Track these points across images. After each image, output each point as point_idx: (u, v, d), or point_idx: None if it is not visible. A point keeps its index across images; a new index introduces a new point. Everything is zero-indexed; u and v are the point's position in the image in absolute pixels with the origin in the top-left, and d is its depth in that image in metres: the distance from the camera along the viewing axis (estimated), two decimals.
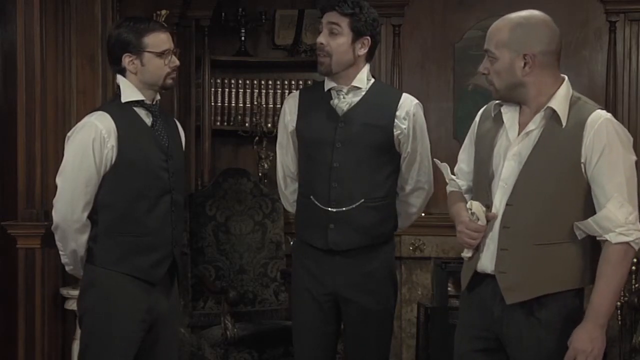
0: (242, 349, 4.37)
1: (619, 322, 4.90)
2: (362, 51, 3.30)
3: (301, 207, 3.44)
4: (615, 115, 5.03)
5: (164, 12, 4.59)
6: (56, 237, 3.15)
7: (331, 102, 3.34)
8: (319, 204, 3.32)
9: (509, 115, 2.72)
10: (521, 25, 2.65)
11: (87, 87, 4.38)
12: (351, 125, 3.30)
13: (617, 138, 2.60)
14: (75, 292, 3.36)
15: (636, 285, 4.85)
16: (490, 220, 2.71)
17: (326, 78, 3.36)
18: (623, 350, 4.89)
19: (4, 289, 4.62)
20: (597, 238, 2.61)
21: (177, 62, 3.17)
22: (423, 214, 5.04)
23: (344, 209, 3.30)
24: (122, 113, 3.10)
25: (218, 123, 5.47)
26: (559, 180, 2.61)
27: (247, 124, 5.45)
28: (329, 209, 3.30)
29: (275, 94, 5.45)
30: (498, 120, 2.76)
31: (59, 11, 4.33)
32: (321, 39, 3.27)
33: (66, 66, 4.36)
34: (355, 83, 3.33)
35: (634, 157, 2.63)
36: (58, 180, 3.11)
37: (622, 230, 2.55)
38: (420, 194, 3.46)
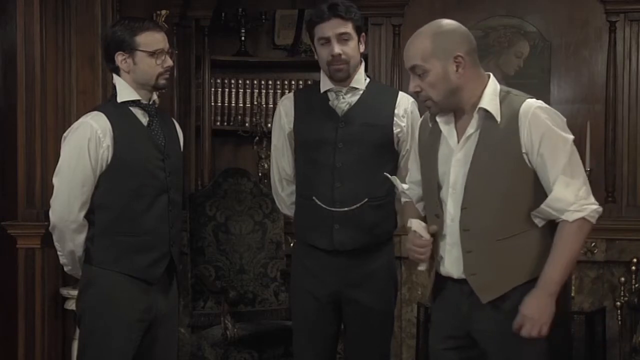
0: (242, 349, 4.37)
1: (619, 322, 4.90)
2: (362, 47, 3.35)
3: (302, 209, 3.43)
4: (615, 115, 5.10)
5: (164, 12, 4.60)
6: (54, 238, 3.16)
7: (330, 102, 3.35)
8: (322, 205, 3.32)
9: (445, 123, 2.77)
10: (440, 33, 2.69)
11: (87, 87, 4.39)
12: (352, 125, 3.31)
13: (551, 122, 2.65)
14: (75, 292, 3.36)
15: (636, 285, 4.85)
16: (432, 233, 2.78)
17: (323, 79, 3.37)
18: (623, 350, 4.89)
19: (4, 289, 4.63)
20: (557, 221, 2.66)
21: (171, 63, 3.16)
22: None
23: (348, 208, 3.30)
24: (117, 113, 3.11)
25: (218, 123, 5.47)
26: (506, 175, 2.66)
27: (247, 124, 5.45)
28: (333, 209, 3.31)
29: (275, 94, 5.45)
30: (436, 130, 2.80)
31: (59, 11, 4.34)
32: (336, 50, 3.27)
33: (66, 66, 4.37)
34: (354, 84, 3.34)
35: (571, 136, 2.68)
36: (55, 180, 3.12)
37: (575, 207, 2.61)
38: None
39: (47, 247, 4.03)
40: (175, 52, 3.43)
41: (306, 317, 3.41)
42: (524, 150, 2.65)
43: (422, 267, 2.85)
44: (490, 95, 2.70)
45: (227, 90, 5.49)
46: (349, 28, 3.27)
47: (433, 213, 2.80)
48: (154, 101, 3.20)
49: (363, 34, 3.34)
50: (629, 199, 5.06)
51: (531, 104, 2.68)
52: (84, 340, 3.15)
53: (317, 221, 3.34)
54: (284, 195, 3.53)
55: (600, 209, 2.68)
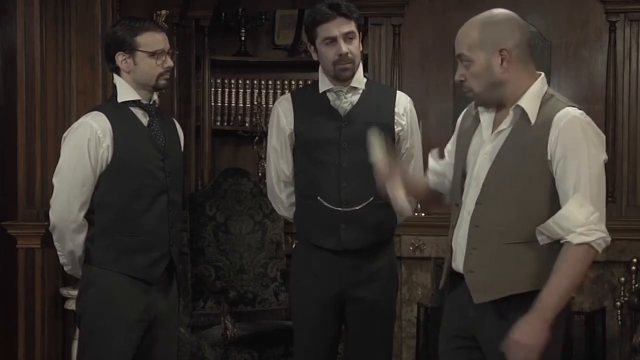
0: (242, 349, 4.37)
1: (619, 322, 4.90)
2: (361, 46, 3.34)
3: (304, 209, 3.42)
4: (615, 115, 5.10)
5: (164, 12, 4.60)
6: (54, 238, 3.16)
7: (331, 103, 3.35)
8: (328, 205, 3.31)
9: (486, 114, 2.71)
10: (489, 23, 2.62)
11: (87, 87, 4.38)
12: (354, 125, 3.31)
13: (584, 136, 2.53)
14: (75, 292, 3.37)
15: (636, 285, 4.85)
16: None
17: (322, 79, 3.37)
18: (623, 350, 4.90)
19: (4, 289, 4.62)
20: (561, 241, 2.53)
21: (171, 64, 3.15)
22: (423, 214, 5.05)
23: (354, 208, 3.30)
24: (118, 113, 3.11)
25: (218, 123, 5.48)
26: (527, 179, 2.57)
27: (247, 124, 5.45)
28: (340, 209, 3.30)
29: (275, 94, 5.45)
30: (476, 119, 2.75)
31: (59, 11, 4.33)
32: (344, 49, 3.26)
33: (66, 66, 4.36)
34: (354, 83, 3.35)
35: (604, 156, 2.56)
36: (54, 180, 3.12)
37: (583, 230, 2.47)
38: None
39: (47, 247, 4.03)
40: (176, 52, 3.42)
41: (308, 317, 3.41)
42: (548, 158, 2.53)
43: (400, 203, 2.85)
44: (533, 95, 2.60)
45: (227, 90, 5.49)
46: (352, 27, 3.28)
47: (454, 201, 2.75)
48: (154, 101, 3.19)
49: (361, 32, 3.34)
50: (629, 199, 5.07)
51: (569, 112, 2.55)
52: (84, 340, 3.15)
53: (322, 221, 3.34)
54: (283, 197, 3.51)
55: (609, 240, 2.53)
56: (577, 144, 2.51)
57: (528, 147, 2.57)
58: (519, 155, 2.59)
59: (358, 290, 3.35)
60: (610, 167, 5.04)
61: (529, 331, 2.50)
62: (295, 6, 5.57)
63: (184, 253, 4.51)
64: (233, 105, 5.50)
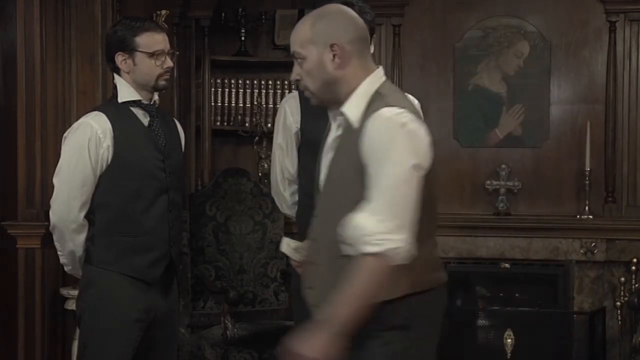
0: (242, 349, 4.37)
1: (619, 322, 4.90)
2: (372, 48, 3.33)
3: (307, 209, 3.41)
4: (615, 115, 5.11)
5: (164, 12, 4.59)
6: (54, 238, 3.16)
7: None
8: None
9: (331, 119, 2.50)
10: (320, 17, 2.42)
11: (87, 87, 4.38)
12: None
13: (389, 139, 2.26)
14: (75, 292, 3.37)
15: (636, 285, 4.85)
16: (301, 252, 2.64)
17: None
18: (623, 350, 4.90)
19: (4, 289, 4.62)
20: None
21: (171, 64, 3.14)
22: None
23: None
24: (118, 113, 3.10)
25: (218, 123, 5.48)
26: (351, 188, 2.32)
27: (247, 124, 5.45)
28: None
29: (275, 94, 5.46)
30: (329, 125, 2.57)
31: (59, 11, 4.33)
32: None
33: (66, 66, 4.36)
34: None
35: (413, 161, 2.25)
36: (55, 180, 3.12)
37: (371, 239, 2.21)
38: None
39: (47, 247, 4.03)
40: (176, 52, 3.42)
41: (308, 317, 3.39)
42: (364, 162, 2.30)
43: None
44: (358, 96, 2.38)
45: (227, 90, 5.50)
46: None
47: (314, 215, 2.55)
48: (154, 101, 3.19)
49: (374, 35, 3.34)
50: (629, 199, 5.07)
51: (382, 113, 2.29)
52: (84, 340, 3.15)
53: None
54: (287, 194, 3.51)
55: (406, 250, 2.22)
56: (380, 148, 2.26)
57: (350, 154, 2.34)
58: (344, 164, 2.37)
59: None
60: (610, 167, 5.05)
61: (312, 344, 2.27)
62: (295, 6, 5.57)
63: (184, 253, 4.51)
64: (233, 105, 5.50)
